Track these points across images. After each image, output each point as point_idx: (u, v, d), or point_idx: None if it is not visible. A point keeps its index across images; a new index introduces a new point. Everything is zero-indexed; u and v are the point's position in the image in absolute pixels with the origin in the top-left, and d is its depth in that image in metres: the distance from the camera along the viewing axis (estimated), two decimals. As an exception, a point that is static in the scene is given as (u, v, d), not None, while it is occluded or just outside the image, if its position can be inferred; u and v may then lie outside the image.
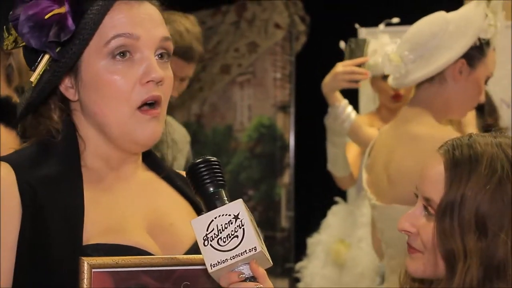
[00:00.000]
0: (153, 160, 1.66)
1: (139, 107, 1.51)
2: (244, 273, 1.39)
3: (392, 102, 3.78)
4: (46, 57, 1.47)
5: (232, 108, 6.59)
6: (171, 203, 1.63)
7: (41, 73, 1.49)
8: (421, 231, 1.59)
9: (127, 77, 1.49)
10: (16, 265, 1.43)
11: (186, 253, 1.54)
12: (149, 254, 1.50)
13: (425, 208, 1.59)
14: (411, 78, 2.67)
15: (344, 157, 3.64)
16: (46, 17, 1.43)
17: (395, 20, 3.44)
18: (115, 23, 1.48)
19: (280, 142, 6.35)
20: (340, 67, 3.10)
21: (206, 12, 6.55)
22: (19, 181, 1.45)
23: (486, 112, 3.59)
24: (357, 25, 3.34)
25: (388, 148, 2.74)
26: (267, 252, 1.43)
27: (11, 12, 1.48)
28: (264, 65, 6.48)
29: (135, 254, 1.47)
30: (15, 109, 1.95)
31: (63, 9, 1.44)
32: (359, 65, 3.12)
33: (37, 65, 1.48)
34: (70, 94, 1.53)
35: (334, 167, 3.70)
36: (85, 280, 1.40)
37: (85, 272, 1.39)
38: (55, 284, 1.42)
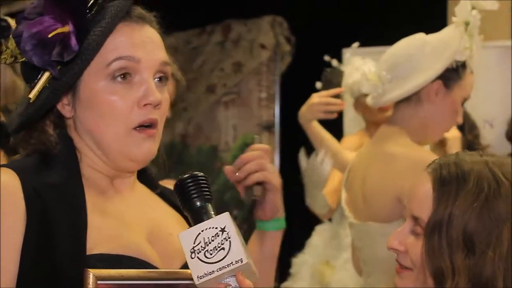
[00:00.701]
0: (146, 175, 1.67)
1: (135, 128, 1.53)
2: (231, 285, 1.41)
3: (380, 112, 3.79)
4: (46, 74, 1.48)
5: (217, 128, 6.59)
6: (167, 216, 1.65)
7: (40, 90, 1.49)
8: (410, 249, 1.60)
9: (125, 99, 1.51)
10: (21, 270, 1.43)
11: (184, 265, 1.57)
12: (151, 265, 1.52)
13: (414, 226, 1.61)
14: (388, 97, 2.71)
15: (323, 196, 3.68)
16: (50, 35, 1.44)
17: (355, 45, 3.50)
18: (116, 45, 1.50)
19: (265, 162, 6.35)
20: (315, 98, 3.13)
21: (191, 32, 6.57)
22: (24, 186, 1.45)
23: (466, 130, 3.62)
24: (355, 44, 3.38)
25: (365, 167, 2.78)
26: (254, 265, 1.44)
27: (13, 29, 1.48)
28: (249, 85, 6.50)
29: (137, 264, 1.49)
30: (1, 128, 1.95)
31: (67, 28, 1.45)
32: (335, 96, 3.14)
33: (37, 82, 1.49)
34: (66, 111, 1.54)
35: (313, 204, 3.75)
36: None
37: (91, 283, 1.42)
38: None
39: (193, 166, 6.51)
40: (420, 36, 2.71)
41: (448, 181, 1.56)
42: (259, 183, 1.76)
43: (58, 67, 1.47)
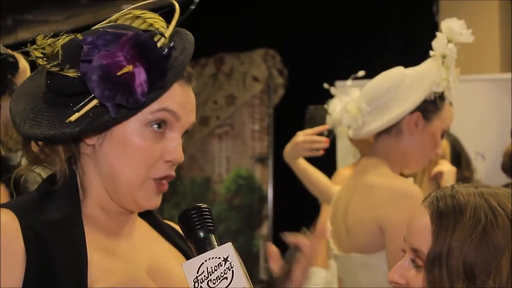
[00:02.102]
0: (145, 210, 1.69)
1: (154, 179, 1.55)
2: None
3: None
4: (93, 103, 1.48)
5: (211, 159, 6.61)
6: (166, 251, 1.66)
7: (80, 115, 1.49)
8: (411, 282, 1.62)
9: (154, 148, 1.53)
10: None
11: None
12: None
13: (414, 258, 1.63)
14: (368, 129, 2.74)
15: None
16: (118, 73, 1.45)
17: (361, 73, 3.52)
18: (165, 97, 1.52)
19: (258, 194, 6.37)
20: (300, 136, 3.16)
21: (185, 65, 6.60)
22: (22, 227, 1.45)
23: (463, 166, 3.64)
24: (327, 86, 3.44)
25: (347, 198, 2.80)
26: None
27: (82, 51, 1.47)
28: (242, 117, 6.53)
29: None
30: (4, 164, 1.95)
31: (130, 67, 1.45)
32: (320, 133, 3.17)
33: (81, 108, 1.48)
34: (89, 138, 1.54)
35: None
36: None
37: None
38: None
39: (187, 197, 6.52)
40: (398, 70, 2.75)
41: (445, 213, 1.58)
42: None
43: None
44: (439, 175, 3.24)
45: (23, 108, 1.55)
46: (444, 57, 2.65)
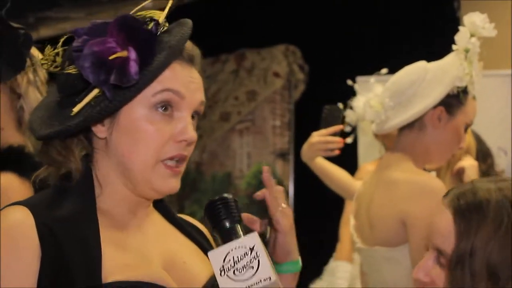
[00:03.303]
0: (161, 203, 1.70)
1: (166, 159, 1.56)
2: None
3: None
4: (94, 92, 1.52)
5: (232, 155, 6.63)
6: (181, 244, 1.68)
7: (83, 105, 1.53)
8: (436, 280, 1.63)
9: (163, 131, 1.55)
10: None
11: None
12: None
13: (438, 258, 1.63)
14: (391, 124, 2.74)
15: None
16: (111, 58, 1.48)
17: (384, 71, 3.51)
18: (167, 77, 1.54)
19: (279, 190, 6.36)
20: (315, 137, 3.16)
21: (205, 61, 6.62)
22: (37, 223, 1.47)
23: (480, 158, 3.62)
24: (350, 82, 3.42)
25: (370, 193, 2.81)
26: (280, 284, 1.48)
27: (73, 43, 1.52)
28: (263, 113, 6.54)
29: None
30: (29, 159, 1.97)
31: (125, 53, 1.48)
32: (335, 134, 3.16)
33: (82, 98, 1.52)
34: (100, 131, 1.57)
35: None
36: None
37: None
38: None
39: (208, 193, 6.54)
40: (421, 64, 2.75)
41: (467, 212, 1.58)
42: (270, 225, 1.77)
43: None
44: (461, 171, 3.23)
45: (41, 116, 1.60)
46: (467, 51, 2.64)
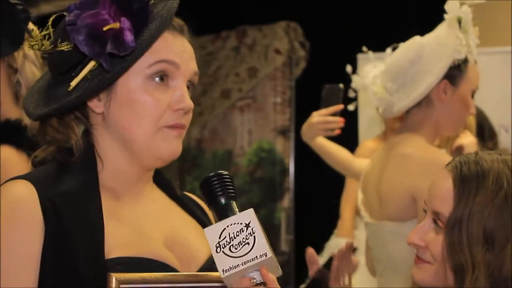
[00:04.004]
0: (163, 180, 1.71)
1: (165, 127, 1.58)
2: (255, 279, 1.46)
3: (398, 122, 3.81)
4: (89, 66, 1.52)
5: (232, 132, 6.62)
6: (182, 220, 1.69)
7: (79, 80, 1.53)
8: (431, 244, 1.65)
9: (160, 100, 1.57)
10: (41, 280, 1.47)
11: (203, 266, 1.61)
12: (170, 266, 1.55)
13: (434, 222, 1.65)
14: (399, 107, 2.74)
15: None
16: (104, 29, 1.49)
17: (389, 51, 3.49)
18: (159, 49, 1.56)
19: (280, 167, 6.38)
20: (315, 117, 3.15)
21: (206, 38, 6.61)
22: (40, 197, 1.49)
23: (487, 137, 3.62)
24: (364, 48, 3.36)
25: (380, 168, 2.81)
26: (277, 261, 1.49)
27: (66, 17, 1.53)
28: (264, 90, 6.53)
29: (157, 266, 1.53)
30: (26, 133, 1.97)
31: (117, 25, 1.49)
32: (335, 113, 3.15)
33: (79, 72, 1.53)
34: (97, 106, 1.58)
35: None
36: None
37: (113, 287, 1.46)
38: None
39: (208, 170, 6.54)
40: (416, 41, 2.74)
41: (468, 178, 1.60)
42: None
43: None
44: (460, 148, 3.23)
45: (35, 99, 1.61)
46: (459, 20, 2.63)
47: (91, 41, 1.49)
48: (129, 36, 1.49)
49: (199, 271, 1.60)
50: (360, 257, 4.05)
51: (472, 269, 1.55)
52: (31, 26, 2.22)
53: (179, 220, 1.69)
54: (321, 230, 4.56)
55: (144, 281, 1.48)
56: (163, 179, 1.72)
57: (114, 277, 1.46)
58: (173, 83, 1.58)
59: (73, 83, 1.52)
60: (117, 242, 1.52)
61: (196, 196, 1.81)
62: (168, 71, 1.57)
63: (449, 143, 3.30)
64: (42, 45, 1.57)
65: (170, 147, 1.58)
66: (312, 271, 1.90)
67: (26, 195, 1.49)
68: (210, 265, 1.60)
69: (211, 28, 6.48)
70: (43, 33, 1.58)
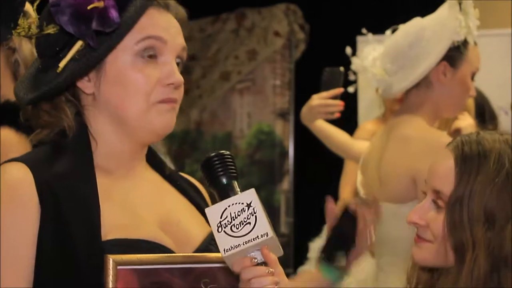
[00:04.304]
0: (156, 160, 1.71)
1: (157, 102, 1.58)
2: (256, 258, 1.46)
3: (396, 104, 3.81)
4: (76, 46, 1.53)
5: (232, 115, 6.62)
6: (175, 202, 1.69)
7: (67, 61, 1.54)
8: (431, 223, 1.65)
9: (150, 77, 1.57)
10: (37, 263, 1.47)
11: (199, 247, 1.61)
12: (166, 247, 1.55)
13: (435, 201, 1.66)
14: (398, 88, 2.75)
15: None
16: (89, 8, 1.49)
17: (388, 33, 3.48)
18: (145, 25, 1.57)
19: (279, 149, 6.39)
20: (315, 100, 3.14)
21: (206, 20, 6.59)
22: (36, 180, 1.49)
23: (487, 119, 3.62)
24: (364, 30, 3.34)
25: (380, 149, 2.82)
26: (278, 241, 1.49)
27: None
28: (263, 73, 6.52)
29: (154, 247, 1.53)
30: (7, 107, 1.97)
31: (101, 3, 1.50)
32: (335, 96, 3.14)
33: (66, 53, 1.53)
34: (87, 87, 1.58)
35: None
36: (110, 277, 1.46)
37: (111, 269, 1.46)
38: (77, 279, 1.46)
39: (208, 152, 6.54)
40: (417, 22, 2.74)
41: (469, 157, 1.61)
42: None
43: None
44: (458, 131, 3.24)
45: (25, 86, 1.61)
46: (460, 2, 2.63)
47: (76, 21, 1.50)
48: (113, 13, 1.50)
49: (194, 252, 1.61)
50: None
51: (472, 248, 1.55)
52: (30, 9, 2.21)
53: (173, 201, 1.69)
54: (321, 212, 4.56)
55: (141, 262, 1.49)
56: (156, 159, 1.72)
57: (111, 259, 1.46)
58: (162, 58, 1.58)
59: (61, 64, 1.53)
60: (113, 224, 1.52)
61: (194, 178, 1.81)
62: (156, 47, 1.57)
63: (447, 125, 3.30)
64: (29, 30, 1.57)
65: (164, 121, 1.59)
66: (330, 226, 1.90)
67: (21, 178, 1.49)
68: (206, 246, 1.61)
69: (211, 10, 6.46)
70: (29, 20, 1.58)
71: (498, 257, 1.55)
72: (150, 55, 1.57)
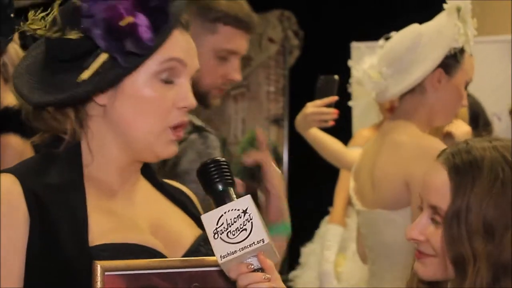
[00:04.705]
0: (147, 169, 1.71)
1: (170, 127, 1.57)
2: (253, 265, 1.46)
3: (389, 114, 3.82)
4: (102, 58, 1.51)
5: (226, 121, 6.62)
6: (166, 208, 1.69)
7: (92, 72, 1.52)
8: (431, 238, 1.64)
9: (166, 98, 1.56)
10: (27, 271, 1.47)
11: (190, 249, 1.61)
12: (156, 251, 1.55)
13: (433, 215, 1.65)
14: (392, 92, 2.75)
15: None
16: (121, 23, 1.47)
17: (381, 43, 3.49)
18: (170, 46, 1.55)
19: (273, 155, 6.38)
20: (309, 108, 3.15)
21: (200, 26, 6.59)
22: (25, 190, 1.48)
23: (481, 126, 3.63)
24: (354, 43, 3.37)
25: (373, 155, 2.82)
26: (274, 246, 1.49)
27: (83, 6, 1.50)
28: (257, 79, 6.53)
29: (142, 251, 1.52)
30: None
31: (131, 18, 1.48)
32: (330, 105, 3.14)
33: (89, 64, 1.51)
34: (99, 98, 1.56)
35: None
36: (98, 283, 1.45)
37: (98, 275, 1.45)
38: (66, 287, 1.46)
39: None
40: (414, 28, 2.75)
41: (462, 169, 1.60)
42: (261, 187, 1.80)
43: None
44: (449, 135, 3.24)
45: (27, 81, 1.57)
46: (459, 10, 2.64)
47: (109, 37, 1.48)
48: (147, 34, 1.48)
49: (185, 255, 1.60)
50: (351, 245, 4.07)
51: (473, 261, 1.54)
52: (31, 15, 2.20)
53: (164, 209, 1.68)
54: (313, 218, 4.57)
55: (129, 268, 1.48)
56: (148, 169, 1.71)
57: (99, 265, 1.45)
58: (179, 80, 1.57)
59: (84, 76, 1.50)
60: (101, 230, 1.51)
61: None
62: (176, 69, 1.56)
63: (438, 134, 3.31)
64: (48, 30, 1.55)
65: (168, 151, 1.59)
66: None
67: (10, 188, 1.48)
68: (196, 247, 1.61)
69: (205, 16, 6.46)
70: (49, 18, 1.55)
71: (499, 267, 1.55)
72: (168, 76, 1.56)
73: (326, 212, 4.48)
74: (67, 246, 1.47)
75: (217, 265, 1.49)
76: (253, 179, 1.86)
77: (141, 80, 1.54)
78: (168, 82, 1.56)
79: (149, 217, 1.63)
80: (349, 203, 4.15)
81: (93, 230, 1.50)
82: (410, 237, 1.67)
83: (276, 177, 1.80)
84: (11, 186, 1.49)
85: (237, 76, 2.50)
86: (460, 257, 1.56)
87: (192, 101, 1.58)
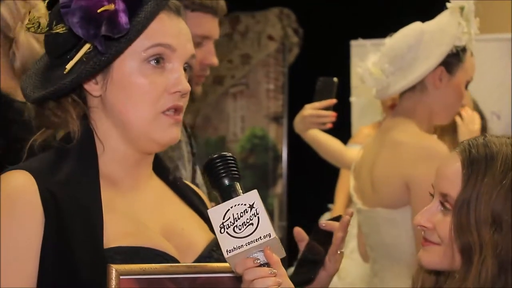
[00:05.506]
0: (161, 168, 1.70)
1: (163, 112, 1.56)
2: (259, 259, 1.46)
3: (390, 111, 3.82)
4: (85, 48, 1.51)
5: (225, 119, 6.62)
6: (179, 210, 1.68)
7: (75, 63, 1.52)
8: (438, 226, 1.65)
9: (157, 83, 1.55)
10: (41, 271, 1.46)
11: (202, 254, 1.61)
12: (169, 255, 1.55)
13: (442, 204, 1.66)
14: (393, 89, 2.75)
15: None
16: (99, 11, 1.47)
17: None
18: (155, 31, 1.55)
19: (272, 153, 6.39)
20: (307, 110, 3.14)
21: (199, 24, 6.59)
22: (40, 188, 1.48)
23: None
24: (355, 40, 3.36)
25: (373, 154, 2.82)
26: (280, 242, 1.49)
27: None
28: (257, 77, 6.53)
29: (156, 255, 1.52)
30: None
31: (112, 6, 1.48)
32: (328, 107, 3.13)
33: (74, 55, 1.51)
34: (94, 89, 1.57)
35: None
36: (113, 286, 1.46)
37: (113, 278, 1.45)
38: (80, 287, 1.45)
39: (201, 157, 6.54)
40: (417, 26, 2.75)
41: (477, 160, 1.62)
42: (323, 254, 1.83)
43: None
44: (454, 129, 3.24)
45: (32, 81, 1.60)
46: (462, 9, 2.64)
47: (85, 23, 1.48)
48: (123, 18, 1.48)
49: (197, 260, 1.60)
50: (352, 243, 4.07)
51: (479, 250, 1.56)
52: (43, 9, 2.19)
53: (176, 209, 1.68)
54: (314, 216, 4.56)
55: (144, 272, 1.48)
56: (162, 167, 1.71)
57: (114, 269, 1.45)
58: (170, 65, 1.57)
59: (68, 66, 1.51)
60: (115, 232, 1.51)
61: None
62: (164, 54, 1.56)
63: (436, 132, 3.31)
64: (39, 27, 1.55)
65: (169, 135, 1.58)
66: (302, 247, 1.90)
67: (25, 186, 1.48)
68: (209, 252, 1.61)
69: (204, 14, 6.45)
70: (38, 16, 1.56)
71: (505, 259, 1.56)
72: (158, 61, 1.55)
73: (326, 209, 4.48)
74: (81, 247, 1.46)
75: (230, 271, 1.49)
76: (323, 244, 1.88)
77: (129, 67, 1.54)
78: (158, 67, 1.55)
79: (162, 220, 1.62)
80: (350, 201, 4.14)
81: (107, 232, 1.50)
82: (417, 223, 1.68)
83: (339, 261, 1.84)
84: (26, 184, 1.48)
85: (214, 60, 2.54)
86: (467, 245, 1.57)
87: (185, 85, 1.57)
